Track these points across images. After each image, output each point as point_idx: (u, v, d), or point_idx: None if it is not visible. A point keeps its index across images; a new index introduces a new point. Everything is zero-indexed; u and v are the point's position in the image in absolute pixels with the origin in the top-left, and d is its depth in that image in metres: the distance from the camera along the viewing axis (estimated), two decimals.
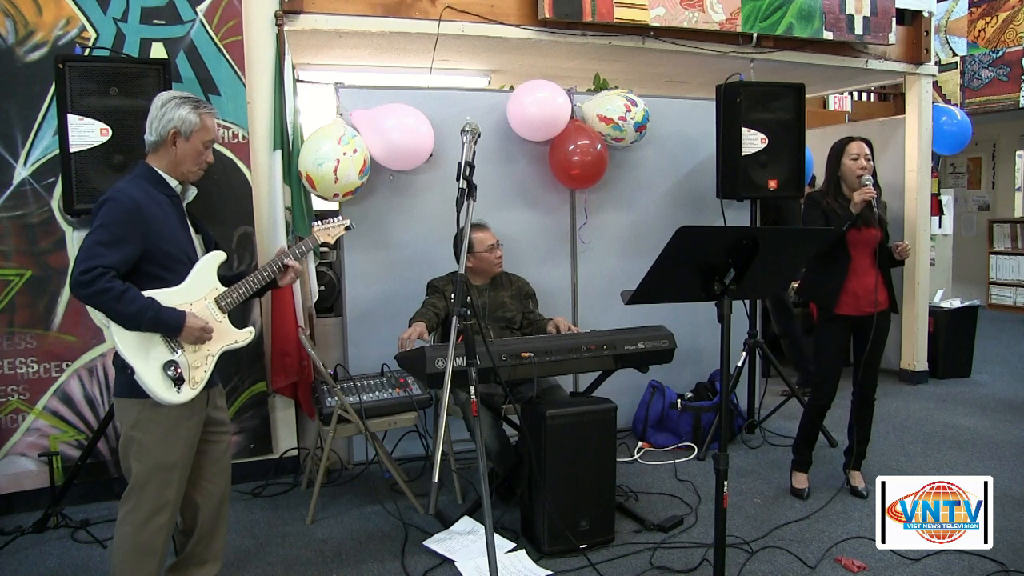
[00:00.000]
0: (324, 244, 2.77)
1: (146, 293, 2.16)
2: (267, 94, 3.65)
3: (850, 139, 3.34)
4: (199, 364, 2.28)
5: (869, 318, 3.27)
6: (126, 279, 2.14)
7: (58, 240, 3.36)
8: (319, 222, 2.84)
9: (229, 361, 3.62)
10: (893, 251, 3.32)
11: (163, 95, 2.31)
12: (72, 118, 3.01)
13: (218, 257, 2.39)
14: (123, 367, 2.19)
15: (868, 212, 3.24)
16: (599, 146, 4.00)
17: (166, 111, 2.26)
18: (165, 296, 2.21)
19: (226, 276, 2.42)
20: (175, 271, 2.26)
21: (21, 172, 3.30)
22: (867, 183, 3.19)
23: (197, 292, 2.30)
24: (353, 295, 3.94)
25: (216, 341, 2.32)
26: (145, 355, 2.17)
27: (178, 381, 2.21)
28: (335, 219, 2.84)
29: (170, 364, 2.20)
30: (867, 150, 3.29)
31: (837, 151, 3.34)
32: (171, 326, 2.18)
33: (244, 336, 2.41)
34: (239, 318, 3.62)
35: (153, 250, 2.19)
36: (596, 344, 3.10)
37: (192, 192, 2.42)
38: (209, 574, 2.51)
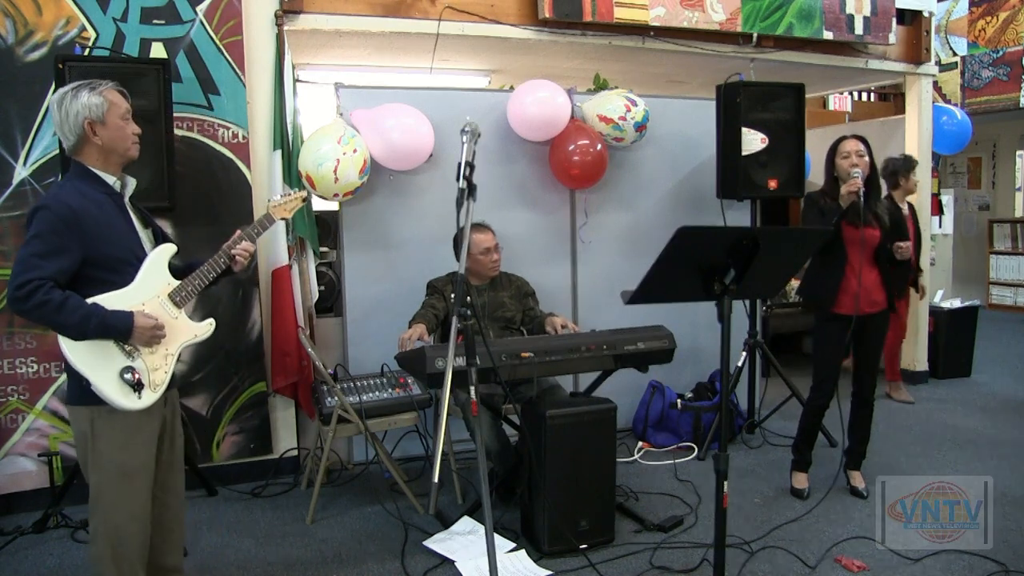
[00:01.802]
0: (283, 219, 2.57)
1: (94, 299, 2.03)
2: (267, 94, 3.65)
3: (843, 138, 3.37)
4: (158, 365, 2.15)
5: (868, 318, 3.27)
6: (71, 286, 2.02)
7: None
8: (276, 196, 2.67)
9: (229, 361, 3.63)
10: (894, 251, 3.33)
11: (55, 97, 2.13)
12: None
13: (167, 251, 2.23)
14: (77, 375, 2.06)
15: (865, 209, 3.20)
16: (599, 146, 4.00)
17: (67, 108, 2.08)
18: (115, 299, 2.07)
19: (180, 266, 2.28)
20: (122, 272, 2.12)
21: (21, 172, 3.30)
22: (855, 175, 3.20)
23: (149, 291, 2.16)
24: (353, 295, 3.94)
25: (174, 339, 2.19)
26: (99, 364, 2.05)
27: (137, 386, 2.08)
28: (291, 191, 2.63)
29: (127, 369, 2.08)
30: (860, 147, 3.30)
31: (831, 151, 3.37)
32: (120, 329, 2.05)
33: (204, 329, 2.27)
34: (238, 318, 3.64)
35: (95, 255, 2.06)
36: (596, 344, 3.10)
37: (132, 184, 2.24)
38: None
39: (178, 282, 2.23)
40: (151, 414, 2.17)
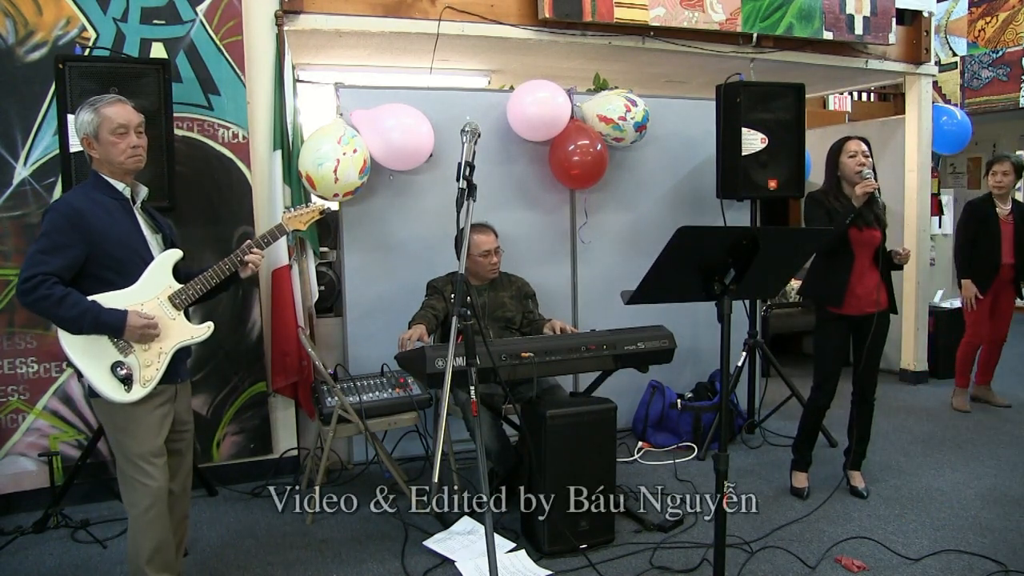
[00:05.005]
0: (296, 231, 2.63)
1: (96, 297, 2.17)
2: (267, 94, 3.65)
3: (847, 138, 3.37)
4: (151, 362, 2.27)
5: (869, 318, 3.27)
6: (75, 283, 2.17)
7: None
8: (290, 209, 2.72)
9: (229, 361, 3.63)
10: (893, 256, 3.33)
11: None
12: (72, 118, 3.01)
13: (172, 255, 2.36)
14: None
15: (868, 211, 3.25)
16: (599, 146, 4.00)
17: (74, 124, 2.27)
18: (116, 299, 2.21)
19: (188, 271, 2.40)
20: (126, 273, 2.25)
21: (21, 172, 3.30)
22: (867, 176, 3.21)
23: (150, 292, 2.29)
24: (353, 295, 3.94)
25: (169, 338, 2.31)
26: (92, 357, 2.20)
27: (126, 381, 2.22)
28: (308, 204, 2.72)
29: (118, 364, 2.22)
30: (865, 147, 3.31)
31: (835, 151, 3.37)
32: (113, 327, 2.18)
33: (201, 332, 2.38)
34: (238, 318, 3.64)
35: (99, 253, 2.20)
36: (596, 344, 3.10)
37: (143, 192, 2.38)
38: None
39: (180, 285, 2.35)
40: (155, 404, 2.30)
